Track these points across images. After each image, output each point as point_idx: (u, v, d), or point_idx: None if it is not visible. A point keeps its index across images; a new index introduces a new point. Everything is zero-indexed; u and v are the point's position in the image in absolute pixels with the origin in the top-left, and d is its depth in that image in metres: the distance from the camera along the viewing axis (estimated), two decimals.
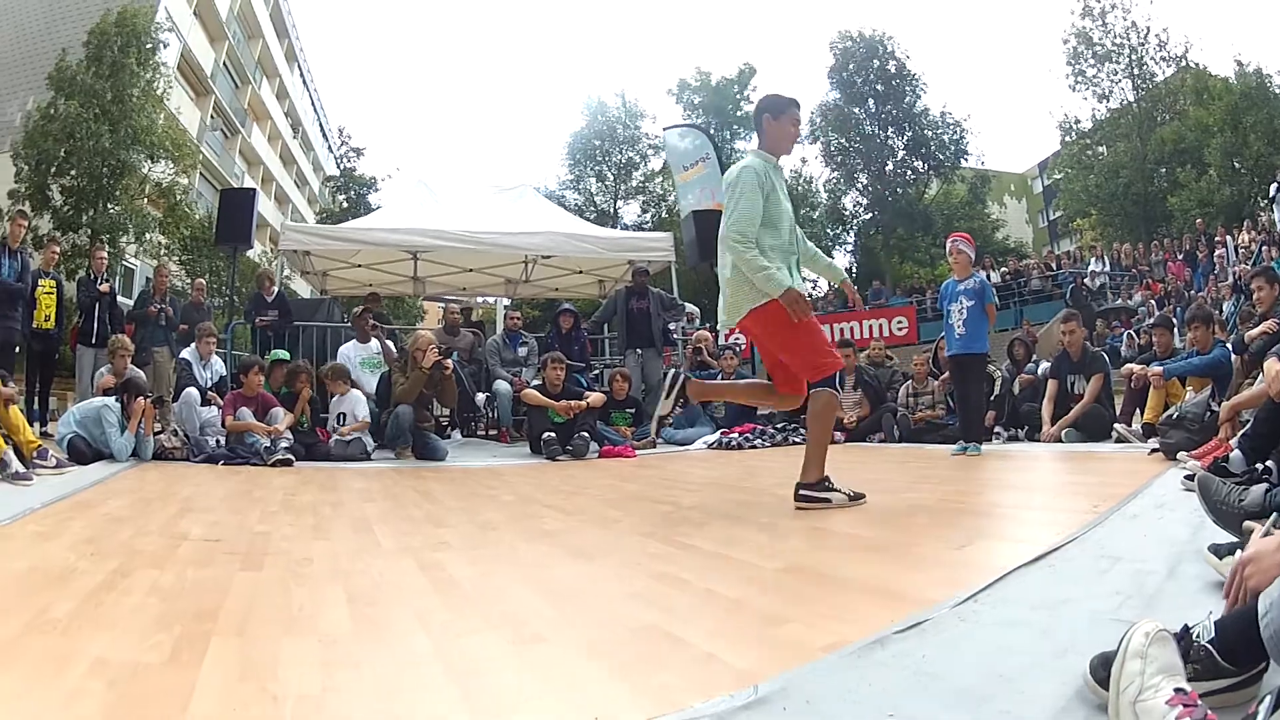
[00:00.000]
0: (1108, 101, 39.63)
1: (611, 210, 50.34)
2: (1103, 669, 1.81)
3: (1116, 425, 9.43)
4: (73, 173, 25.12)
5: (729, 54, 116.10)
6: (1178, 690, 1.64)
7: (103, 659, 2.26)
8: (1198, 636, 1.87)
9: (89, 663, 2.22)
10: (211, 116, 42.42)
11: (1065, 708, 1.85)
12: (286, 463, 9.10)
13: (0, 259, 11.02)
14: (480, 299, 22.98)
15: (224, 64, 44.14)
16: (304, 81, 61.80)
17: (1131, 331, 20.65)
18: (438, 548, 4.10)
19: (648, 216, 50.13)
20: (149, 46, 27.24)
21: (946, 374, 10.77)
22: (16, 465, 6.76)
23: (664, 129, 34.13)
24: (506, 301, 19.54)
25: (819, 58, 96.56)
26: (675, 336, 16.56)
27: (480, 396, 12.99)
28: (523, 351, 13.49)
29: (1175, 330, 11.18)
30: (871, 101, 45.82)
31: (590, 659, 2.31)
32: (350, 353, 12.08)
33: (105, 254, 13.69)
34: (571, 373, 11.31)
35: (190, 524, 4.86)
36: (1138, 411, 9.43)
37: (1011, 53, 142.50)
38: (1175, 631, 1.84)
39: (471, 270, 17.84)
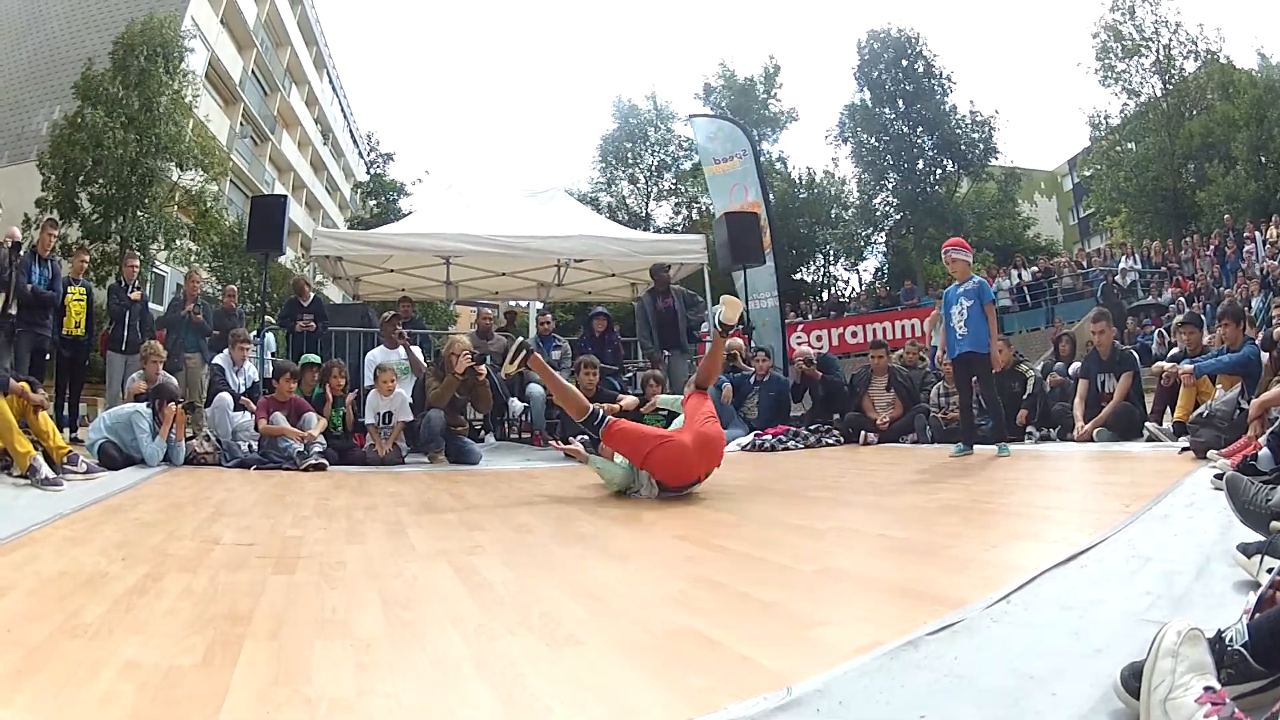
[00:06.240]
0: (1137, 97, 39.45)
1: (644, 212, 50.66)
2: (1134, 679, 1.80)
3: (1148, 424, 9.35)
4: (101, 181, 25.25)
5: (755, 54, 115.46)
6: (1207, 689, 1.64)
7: (134, 662, 2.28)
8: (1231, 640, 1.86)
9: (120, 666, 2.24)
10: (241, 124, 42.67)
11: (1095, 709, 1.84)
12: (320, 467, 9.13)
13: (31, 267, 11.10)
14: (513, 303, 23.03)
15: (252, 72, 44.44)
16: (333, 88, 62.15)
17: (1162, 329, 20.55)
18: (472, 551, 4.09)
19: (680, 218, 50.37)
20: (176, 55, 27.40)
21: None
22: (46, 471, 6.76)
23: (690, 116, 33.97)
24: (539, 305, 19.55)
25: (845, 57, 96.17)
26: (706, 339, 16.56)
27: (517, 405, 13.00)
28: (556, 355, 13.46)
29: (1205, 327, 11.07)
30: (901, 101, 45.69)
31: (626, 661, 2.31)
32: (378, 358, 12.05)
33: (137, 262, 13.74)
34: (605, 376, 11.29)
35: (222, 528, 4.88)
36: (1169, 410, 9.35)
37: (1041, 49, 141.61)
38: (1210, 636, 1.83)
39: (504, 274, 17.87)
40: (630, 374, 13.66)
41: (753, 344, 15.14)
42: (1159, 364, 9.96)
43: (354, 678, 2.21)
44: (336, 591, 3.25)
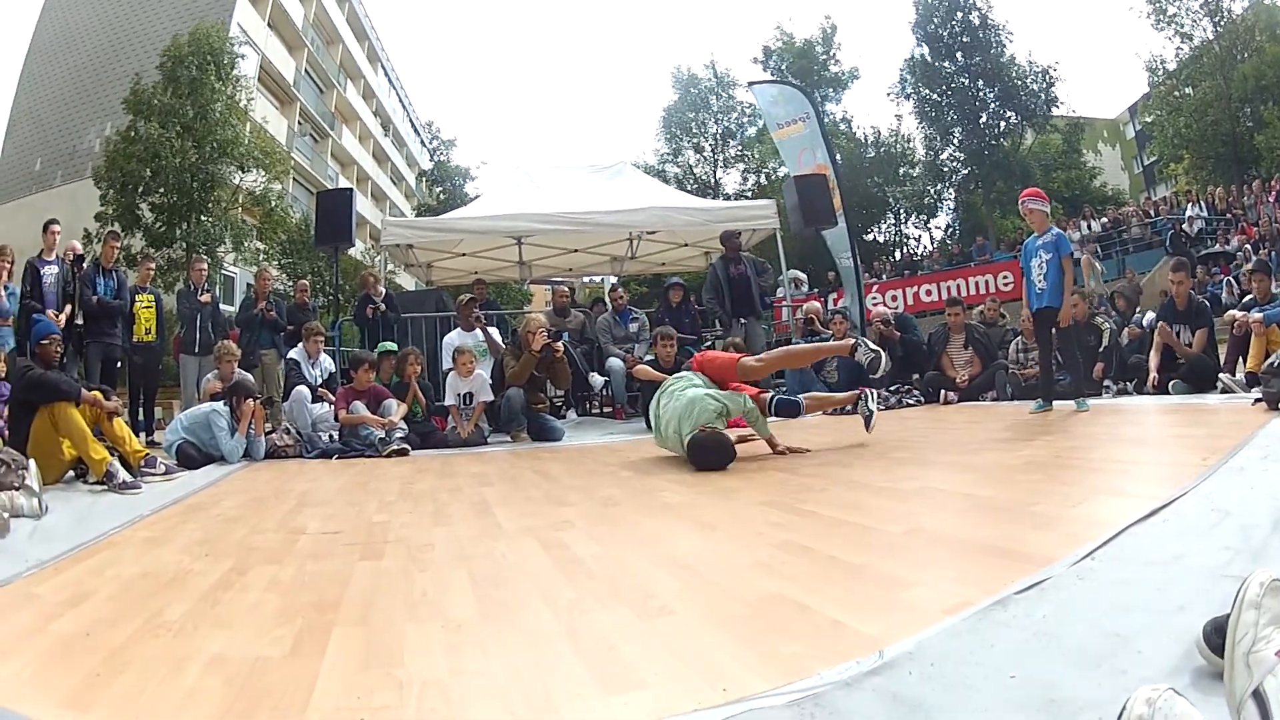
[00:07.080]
0: (1190, 41, 38.72)
1: (712, 180, 50.44)
2: (1216, 635, 1.76)
3: (1221, 375, 9.24)
4: (161, 190, 25.64)
5: (812, 15, 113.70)
6: None
7: (221, 656, 2.30)
8: None
9: (206, 661, 2.26)
10: (299, 123, 43.25)
11: (1179, 667, 1.84)
12: (402, 453, 9.18)
13: (94, 279, 11.28)
14: (587, 278, 23.09)
15: (305, 71, 45.09)
16: (389, 80, 62.62)
17: (1231, 277, 20.25)
18: (559, 527, 4.11)
19: (749, 184, 50.08)
20: (226, 62, 27.76)
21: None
22: (124, 475, 6.75)
23: (749, 84, 33.74)
24: (614, 279, 19.61)
25: (901, 11, 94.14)
26: (784, 304, 16.58)
27: (597, 380, 13.05)
28: (633, 328, 13.54)
29: (1273, 275, 10.85)
30: (959, 54, 44.94)
31: (717, 630, 2.31)
32: (455, 341, 12.05)
33: (205, 265, 13.81)
34: (683, 346, 11.26)
35: (307, 518, 4.92)
36: (1241, 360, 9.22)
37: None
38: None
39: (576, 251, 18.01)
40: (709, 343, 13.66)
41: (828, 307, 15.11)
42: (1230, 313, 9.83)
43: (446, 658, 2.23)
44: (425, 574, 3.27)
